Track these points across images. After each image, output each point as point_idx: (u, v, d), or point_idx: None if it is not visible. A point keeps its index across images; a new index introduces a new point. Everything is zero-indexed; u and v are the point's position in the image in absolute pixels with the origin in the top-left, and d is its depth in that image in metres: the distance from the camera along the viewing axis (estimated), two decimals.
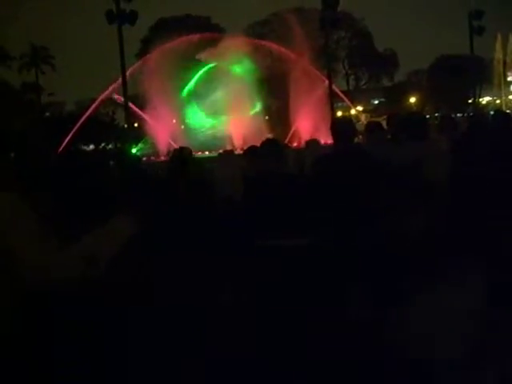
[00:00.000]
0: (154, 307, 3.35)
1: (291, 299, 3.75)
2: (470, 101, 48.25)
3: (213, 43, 46.88)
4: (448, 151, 4.93)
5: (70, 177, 3.68)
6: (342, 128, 4.73)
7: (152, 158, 38.04)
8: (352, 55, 60.43)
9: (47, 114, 57.78)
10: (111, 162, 5.52)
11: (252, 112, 48.43)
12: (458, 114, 47.22)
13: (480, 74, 47.71)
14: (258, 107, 51.16)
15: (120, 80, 28.54)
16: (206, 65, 47.61)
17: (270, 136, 53.40)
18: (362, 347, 3.57)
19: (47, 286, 2.25)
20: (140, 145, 42.82)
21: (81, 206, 3.28)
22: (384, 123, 7.00)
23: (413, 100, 61.48)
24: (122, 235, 2.42)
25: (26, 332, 2.25)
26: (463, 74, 47.50)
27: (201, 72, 48.38)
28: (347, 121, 5.42)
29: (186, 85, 47.60)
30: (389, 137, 6.41)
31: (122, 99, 25.60)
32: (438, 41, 79.70)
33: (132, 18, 23.15)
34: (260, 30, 58.77)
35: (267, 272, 3.83)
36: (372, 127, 6.22)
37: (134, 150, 29.53)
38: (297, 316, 3.70)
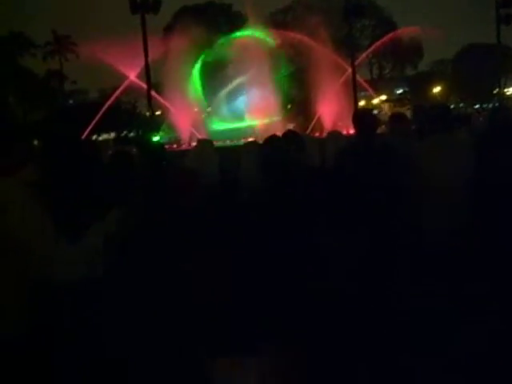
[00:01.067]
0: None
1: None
2: (494, 91, 47.50)
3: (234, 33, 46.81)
4: (470, 145, 4.85)
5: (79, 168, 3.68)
6: (364, 120, 4.69)
7: (174, 146, 38.23)
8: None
9: (70, 101, 58.29)
10: (134, 150, 5.53)
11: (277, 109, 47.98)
12: (481, 105, 46.60)
13: (506, 64, 46.88)
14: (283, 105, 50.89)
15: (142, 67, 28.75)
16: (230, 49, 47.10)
17: (292, 126, 53.31)
18: None
19: (53, 282, 2.26)
20: (161, 133, 43.00)
21: (89, 198, 3.29)
22: (408, 113, 6.94)
23: (437, 90, 60.72)
24: (122, 227, 2.44)
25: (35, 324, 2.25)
26: (489, 63, 46.78)
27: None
28: (369, 112, 5.37)
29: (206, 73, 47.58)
30: (413, 127, 6.36)
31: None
32: (463, 30, 78.35)
33: (155, 6, 23.15)
34: (283, 18, 58.42)
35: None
36: (396, 119, 6.14)
37: (156, 138, 29.62)
38: None
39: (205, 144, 5.62)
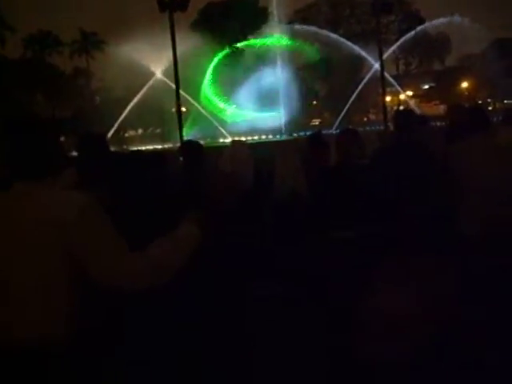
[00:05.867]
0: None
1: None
2: None
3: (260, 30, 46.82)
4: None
5: (132, 173, 3.70)
6: (404, 120, 4.73)
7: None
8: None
9: (97, 98, 58.74)
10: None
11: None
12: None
13: None
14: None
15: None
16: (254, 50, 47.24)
17: (317, 121, 52.78)
18: None
19: (116, 291, 2.25)
20: (186, 129, 43.23)
21: (146, 208, 3.30)
22: (434, 109, 6.86)
23: (465, 85, 59.82)
24: (190, 244, 2.38)
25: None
26: None
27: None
28: (409, 112, 5.34)
29: (232, 71, 47.59)
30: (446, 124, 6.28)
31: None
32: (493, 24, 76.86)
33: (183, 4, 23.17)
34: (309, 14, 58.13)
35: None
36: (421, 120, 6.11)
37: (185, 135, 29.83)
38: None
39: (239, 145, 5.57)
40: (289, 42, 46.49)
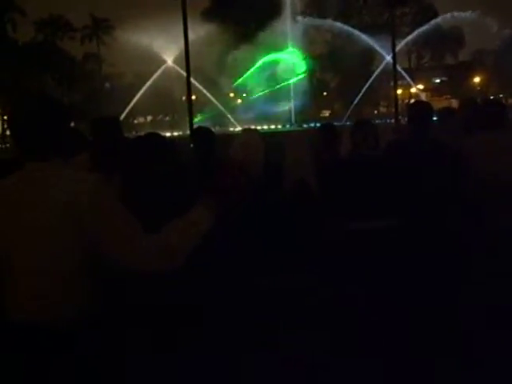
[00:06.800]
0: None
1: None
2: None
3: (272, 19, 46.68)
4: None
5: (144, 161, 3.66)
6: (420, 112, 4.62)
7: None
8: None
9: (107, 84, 58.78)
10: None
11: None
12: None
13: None
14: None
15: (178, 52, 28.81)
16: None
17: (327, 113, 52.51)
18: None
19: (127, 273, 2.22)
20: (198, 117, 43.23)
21: (157, 193, 3.27)
22: (446, 103, 6.73)
23: (477, 80, 59.42)
24: (201, 228, 2.30)
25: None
26: None
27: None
28: (426, 104, 5.19)
29: (243, 59, 47.53)
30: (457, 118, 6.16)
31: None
32: (507, 21, 76.06)
33: None
34: (321, 5, 57.77)
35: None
36: (446, 113, 5.99)
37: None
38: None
39: (251, 133, 5.50)
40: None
